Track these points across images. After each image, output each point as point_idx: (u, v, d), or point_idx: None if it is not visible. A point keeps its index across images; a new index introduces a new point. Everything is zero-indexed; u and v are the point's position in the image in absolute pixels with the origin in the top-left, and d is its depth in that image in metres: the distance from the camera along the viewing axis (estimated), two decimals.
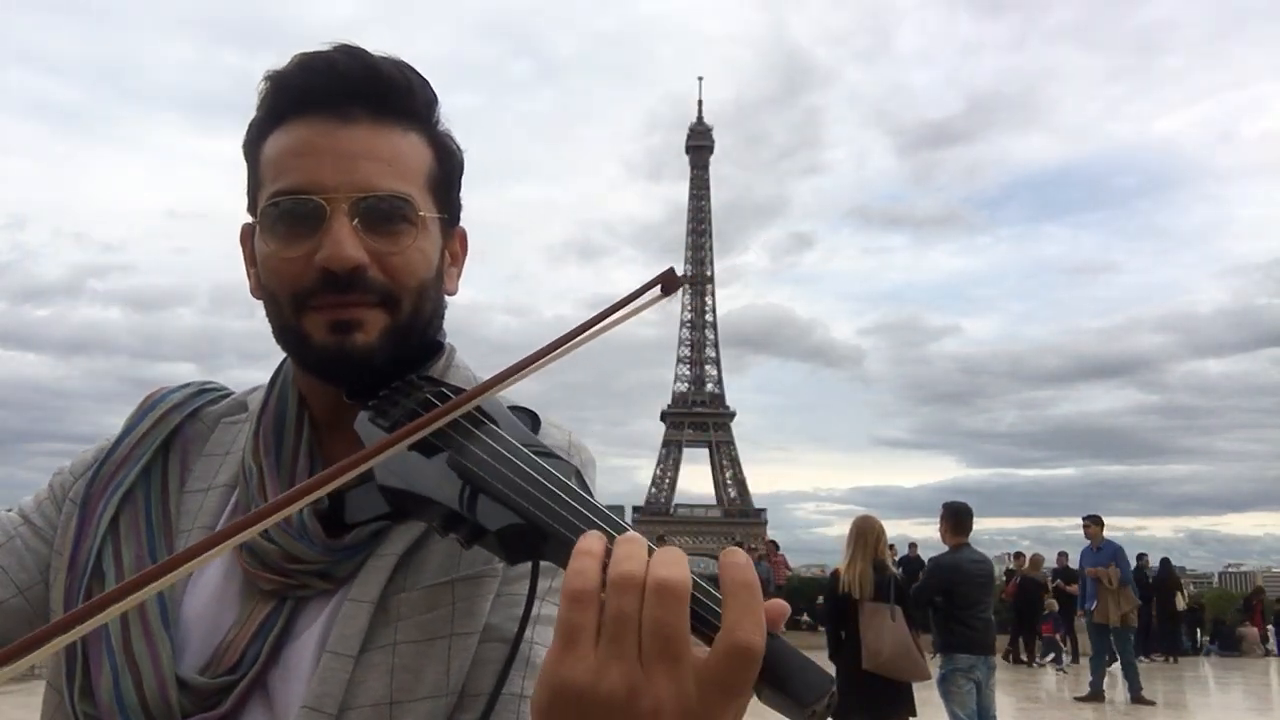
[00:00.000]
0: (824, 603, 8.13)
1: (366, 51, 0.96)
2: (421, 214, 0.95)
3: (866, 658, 6.47)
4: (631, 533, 0.66)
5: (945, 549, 7.60)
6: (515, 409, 0.91)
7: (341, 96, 0.93)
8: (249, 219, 1.01)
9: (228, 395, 1.11)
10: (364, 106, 0.94)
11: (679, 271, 0.85)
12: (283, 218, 0.92)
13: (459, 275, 1.07)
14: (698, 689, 0.59)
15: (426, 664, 0.90)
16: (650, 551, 0.63)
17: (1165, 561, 21.34)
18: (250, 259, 1.01)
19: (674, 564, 0.61)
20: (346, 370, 0.93)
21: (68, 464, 1.07)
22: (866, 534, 6.77)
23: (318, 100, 0.93)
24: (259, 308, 1.01)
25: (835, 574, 7.10)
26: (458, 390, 0.88)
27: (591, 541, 0.63)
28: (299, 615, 0.93)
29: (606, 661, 0.59)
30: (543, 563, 0.77)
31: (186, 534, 0.98)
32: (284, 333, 0.96)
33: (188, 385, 1.10)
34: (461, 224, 1.07)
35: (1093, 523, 12.91)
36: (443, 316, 1.04)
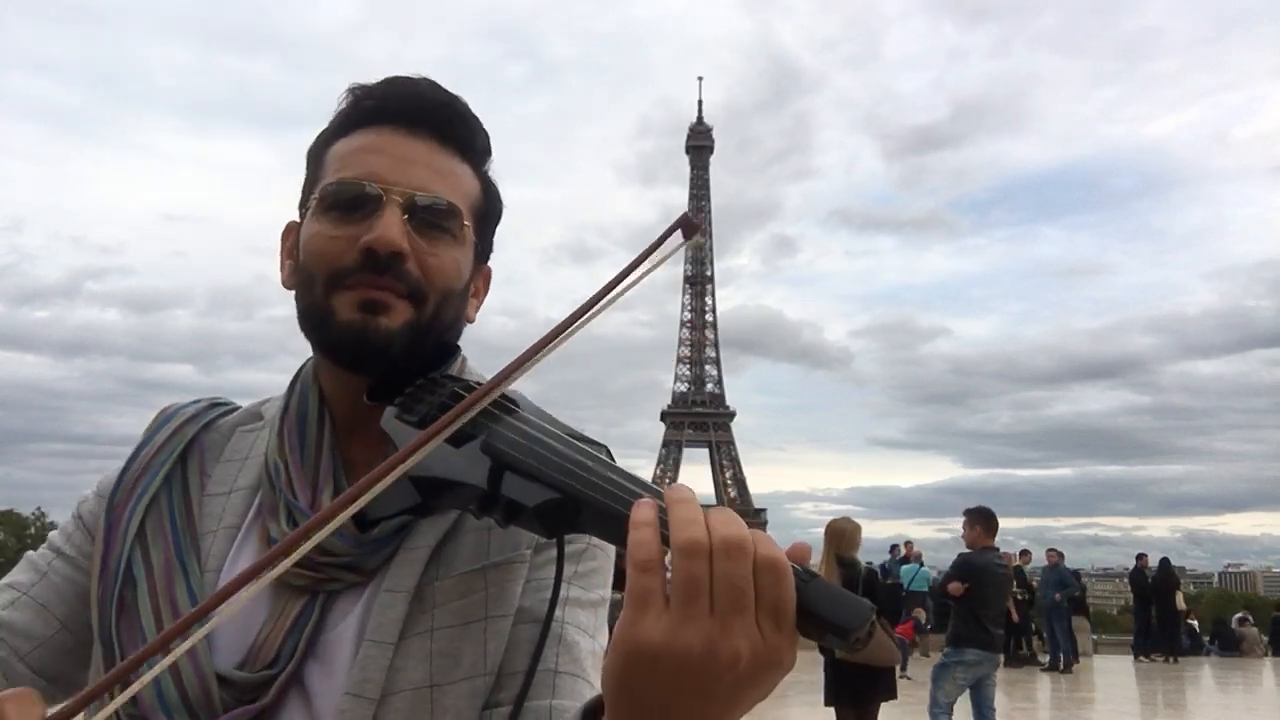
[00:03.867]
0: None
1: (447, 89, 1.05)
2: (466, 224, 1.02)
3: None
4: (683, 490, 0.69)
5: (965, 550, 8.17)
6: None
7: (415, 115, 1.02)
8: (294, 218, 1.07)
9: (238, 409, 1.14)
10: (432, 129, 1.02)
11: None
12: (338, 200, 0.98)
13: (478, 308, 1.12)
14: (759, 628, 0.65)
15: (464, 647, 0.93)
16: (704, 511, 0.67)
17: (1164, 561, 21.29)
18: (289, 252, 1.06)
19: (734, 522, 0.66)
20: (364, 352, 0.96)
21: (90, 491, 1.10)
22: (833, 535, 7.61)
23: (392, 114, 1.01)
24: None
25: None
26: (478, 385, 0.91)
27: (645, 511, 0.68)
28: (331, 609, 0.95)
29: (681, 622, 0.64)
30: (568, 549, 0.81)
31: (212, 534, 1.01)
32: (310, 312, 1.00)
33: (199, 400, 1.14)
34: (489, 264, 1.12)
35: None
36: (459, 334, 1.08)
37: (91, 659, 0.97)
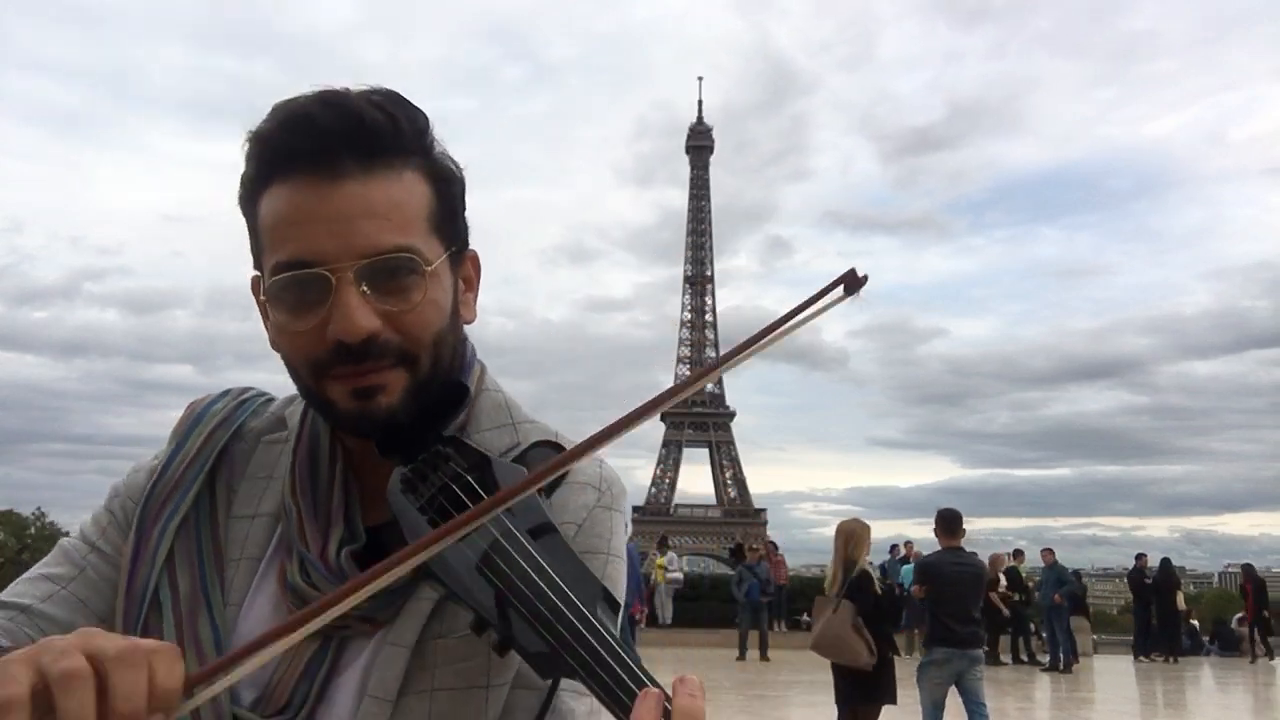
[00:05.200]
0: None
1: (348, 96, 0.93)
2: (429, 268, 0.94)
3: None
4: (690, 688, 0.68)
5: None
6: (543, 444, 0.92)
7: (327, 153, 0.90)
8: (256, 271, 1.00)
9: (267, 401, 1.11)
10: (352, 157, 0.91)
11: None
12: (289, 290, 0.92)
13: (475, 299, 1.06)
14: None
15: (464, 713, 0.91)
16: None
17: (1165, 561, 21.34)
18: (265, 311, 1.00)
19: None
20: (374, 430, 0.94)
21: (121, 481, 1.07)
22: (841, 537, 7.74)
23: (303, 159, 0.91)
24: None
25: None
26: (487, 457, 0.89)
27: (651, 710, 0.65)
28: (343, 653, 0.94)
29: None
30: None
31: (235, 563, 1.00)
32: (307, 395, 0.98)
33: (227, 393, 1.11)
34: (471, 246, 1.05)
35: None
36: (463, 353, 1.03)
37: None
